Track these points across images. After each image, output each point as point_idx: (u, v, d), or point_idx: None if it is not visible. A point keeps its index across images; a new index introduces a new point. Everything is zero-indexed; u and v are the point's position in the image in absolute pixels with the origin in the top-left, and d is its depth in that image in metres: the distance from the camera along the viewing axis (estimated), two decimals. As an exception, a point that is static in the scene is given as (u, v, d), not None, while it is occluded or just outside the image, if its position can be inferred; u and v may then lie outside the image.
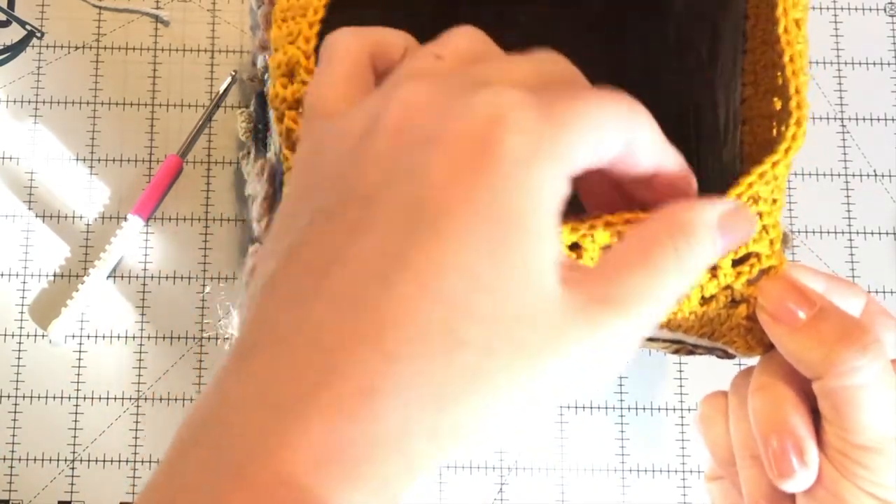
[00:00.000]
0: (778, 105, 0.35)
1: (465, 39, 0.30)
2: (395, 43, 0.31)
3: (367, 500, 0.23)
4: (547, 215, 0.25)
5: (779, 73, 0.35)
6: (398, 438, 0.24)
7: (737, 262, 0.35)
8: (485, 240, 0.24)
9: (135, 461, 0.54)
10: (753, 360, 0.37)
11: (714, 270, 0.34)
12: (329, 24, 0.36)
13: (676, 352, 0.39)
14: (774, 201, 0.34)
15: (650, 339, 0.38)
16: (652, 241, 0.28)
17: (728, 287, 0.35)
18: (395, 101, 0.26)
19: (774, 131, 0.34)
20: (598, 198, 0.33)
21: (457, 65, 0.29)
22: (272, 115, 0.38)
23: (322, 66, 0.31)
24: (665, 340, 0.38)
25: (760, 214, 0.34)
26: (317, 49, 0.34)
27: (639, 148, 0.28)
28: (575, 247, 0.32)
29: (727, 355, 0.38)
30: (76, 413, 0.55)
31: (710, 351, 0.38)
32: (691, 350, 0.38)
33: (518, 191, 0.25)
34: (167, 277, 0.56)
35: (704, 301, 0.35)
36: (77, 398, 0.55)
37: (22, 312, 0.56)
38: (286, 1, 0.36)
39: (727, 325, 0.36)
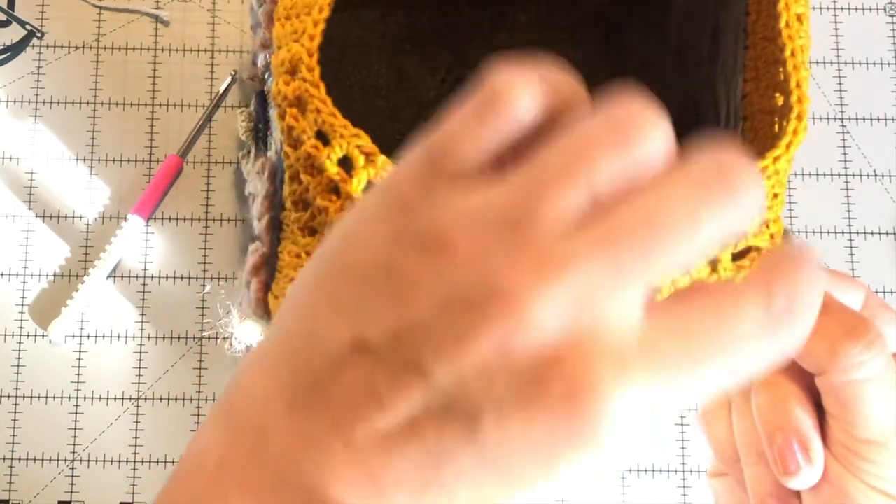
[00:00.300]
0: (779, 101, 0.35)
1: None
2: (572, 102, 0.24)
3: None
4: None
5: (780, 69, 0.35)
6: None
7: (737, 257, 0.35)
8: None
9: (135, 461, 0.54)
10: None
11: (714, 265, 0.34)
12: (328, 22, 0.36)
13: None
14: (776, 195, 0.34)
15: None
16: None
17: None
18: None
19: (776, 127, 0.34)
20: None
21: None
22: (273, 113, 0.39)
23: (471, 107, 0.23)
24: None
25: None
26: (320, 48, 0.34)
27: None
28: None
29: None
30: (76, 413, 0.55)
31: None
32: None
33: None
34: (167, 277, 0.56)
35: None
36: (77, 398, 0.55)
37: (22, 312, 0.56)
38: None
39: None
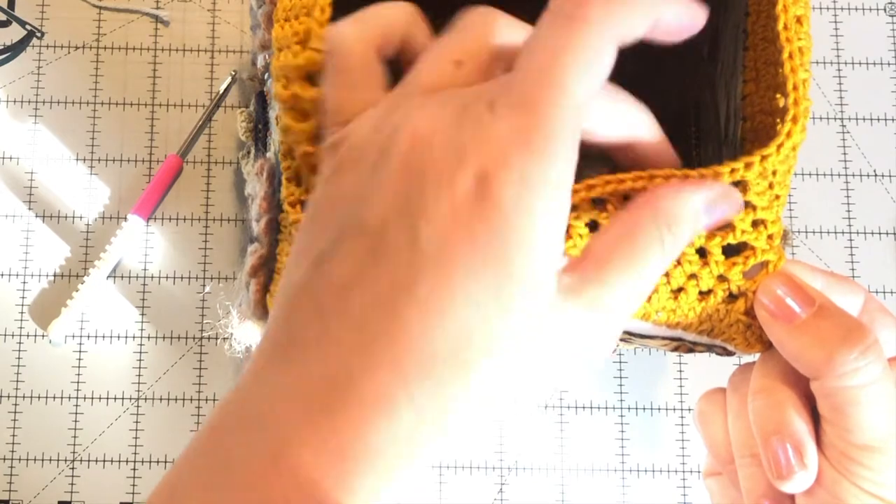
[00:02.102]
0: (780, 102, 0.35)
1: (482, 32, 0.31)
2: (400, 29, 0.32)
3: (376, 488, 0.26)
4: (545, 246, 0.27)
5: (780, 70, 0.34)
6: (410, 442, 0.26)
7: (730, 253, 0.35)
8: (484, 274, 0.26)
9: (135, 461, 0.54)
10: (752, 357, 0.37)
11: (705, 258, 0.34)
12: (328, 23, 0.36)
13: (676, 349, 0.39)
14: (777, 197, 0.34)
15: (649, 337, 0.38)
16: (637, 231, 0.29)
17: (724, 279, 0.35)
18: (406, 131, 0.28)
19: (778, 128, 0.34)
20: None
21: (473, 74, 0.30)
22: (272, 114, 0.39)
23: (330, 72, 0.31)
24: (664, 338, 0.38)
25: (755, 207, 0.34)
26: None
27: (601, 124, 0.31)
28: None
29: (726, 352, 0.38)
30: (76, 413, 0.55)
31: (709, 348, 0.38)
32: (690, 347, 0.38)
33: (514, 231, 0.26)
34: (167, 277, 0.56)
35: (702, 296, 0.35)
36: (77, 398, 0.55)
37: (22, 312, 0.56)
38: (289, 0, 0.36)
39: (726, 322, 0.36)
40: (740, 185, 0.33)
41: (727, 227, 0.34)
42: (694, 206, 0.31)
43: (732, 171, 0.33)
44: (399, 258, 0.27)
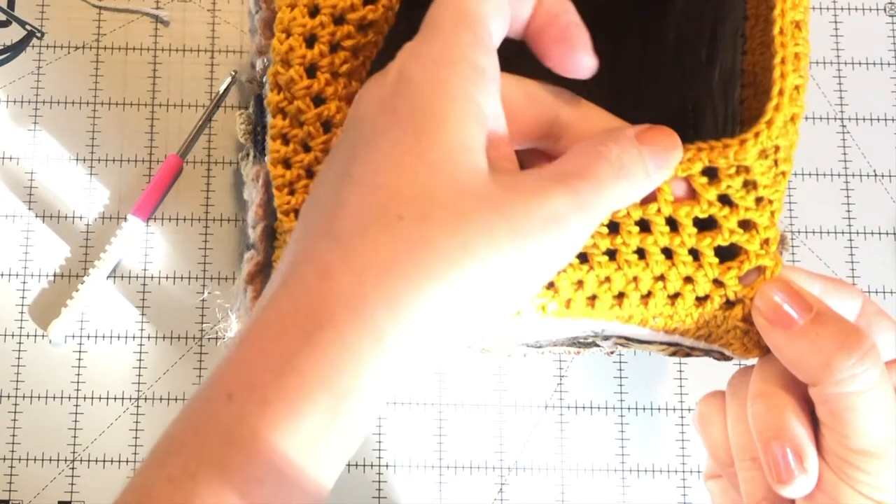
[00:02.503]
0: None
1: None
2: None
3: (332, 367, 0.28)
4: (455, 101, 0.30)
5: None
6: (354, 305, 0.28)
7: (725, 257, 0.35)
8: (404, 137, 0.29)
9: (135, 461, 0.54)
10: (751, 360, 0.37)
11: (699, 260, 0.34)
12: None
13: (673, 354, 0.39)
14: (770, 202, 0.34)
15: (647, 342, 0.38)
16: (578, 149, 0.32)
17: (720, 284, 0.35)
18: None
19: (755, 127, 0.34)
20: None
21: None
22: (268, 119, 0.38)
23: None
24: (662, 343, 0.38)
25: (737, 207, 0.34)
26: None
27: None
28: None
29: (724, 357, 0.38)
30: (76, 413, 0.55)
31: (706, 353, 0.38)
32: (688, 352, 0.38)
33: (423, 92, 0.30)
34: (167, 277, 0.56)
35: (699, 301, 0.35)
36: (77, 398, 0.55)
37: (22, 312, 0.56)
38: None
39: (724, 328, 0.36)
40: (711, 172, 0.34)
41: (714, 227, 0.34)
42: (626, 133, 0.32)
43: (699, 149, 0.33)
44: (342, 151, 0.31)
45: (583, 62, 0.32)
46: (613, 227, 0.34)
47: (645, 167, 0.32)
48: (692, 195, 0.34)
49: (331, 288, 0.28)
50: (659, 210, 0.34)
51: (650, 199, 0.34)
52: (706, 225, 0.35)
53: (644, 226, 0.34)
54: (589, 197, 0.30)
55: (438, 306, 0.28)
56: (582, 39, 0.33)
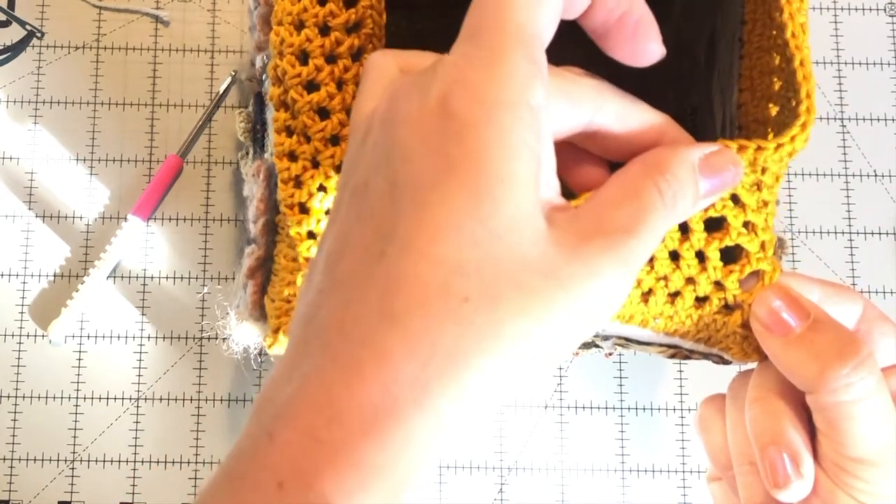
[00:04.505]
0: (773, 111, 0.35)
1: None
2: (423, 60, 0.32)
3: (393, 459, 0.25)
4: (518, 159, 0.27)
5: (775, 79, 0.35)
6: (416, 397, 0.25)
7: (727, 260, 0.35)
8: (463, 198, 0.26)
9: (135, 461, 0.54)
10: (752, 364, 0.37)
11: (704, 263, 0.34)
12: None
13: (673, 356, 0.39)
14: (766, 203, 0.34)
15: (647, 344, 0.38)
16: (633, 181, 0.29)
17: (721, 286, 0.35)
18: (385, 98, 0.29)
19: (769, 137, 0.34)
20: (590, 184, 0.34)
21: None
22: (270, 115, 0.39)
23: (361, 82, 0.32)
24: (661, 345, 0.38)
25: (745, 206, 0.34)
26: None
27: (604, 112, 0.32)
28: None
29: (723, 361, 0.38)
30: (76, 413, 0.55)
31: (705, 356, 0.38)
32: (687, 355, 0.38)
33: (482, 144, 0.26)
34: (167, 277, 0.56)
35: (699, 302, 0.35)
36: (77, 398, 0.55)
37: (22, 312, 0.56)
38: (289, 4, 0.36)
39: (723, 332, 0.36)
40: None
41: (723, 228, 0.34)
42: (686, 157, 0.31)
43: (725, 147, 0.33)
44: (380, 205, 0.27)
45: (653, 51, 0.31)
46: None
47: (696, 197, 0.31)
48: None
49: (391, 376, 0.25)
50: None
51: None
52: (713, 225, 0.35)
53: None
54: (639, 254, 0.29)
55: (502, 385, 0.26)
56: (654, 31, 0.31)
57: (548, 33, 0.29)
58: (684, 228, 0.34)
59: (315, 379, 0.26)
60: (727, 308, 0.35)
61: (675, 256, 0.35)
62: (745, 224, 0.34)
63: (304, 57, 0.36)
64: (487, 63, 0.27)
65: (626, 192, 0.29)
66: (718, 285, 0.35)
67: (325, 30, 0.36)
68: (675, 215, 0.30)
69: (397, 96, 0.28)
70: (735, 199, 0.34)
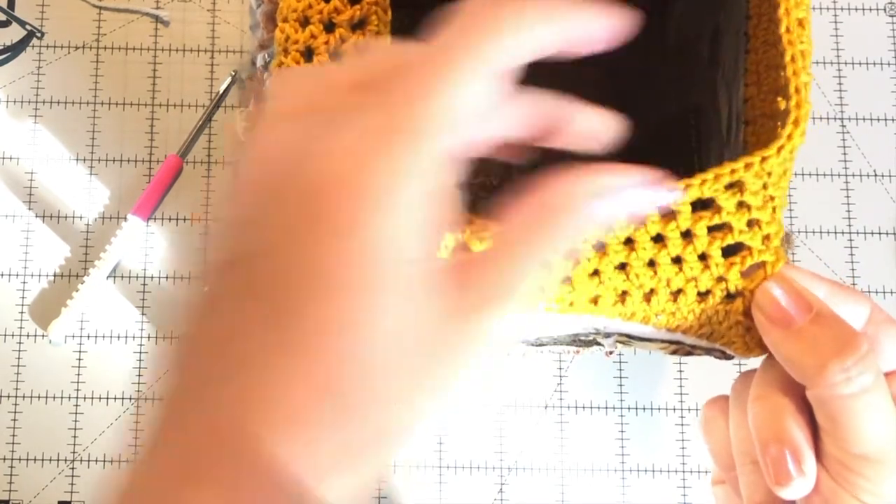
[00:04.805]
0: (781, 105, 0.35)
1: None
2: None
3: None
4: (399, 245, 0.25)
5: (782, 73, 0.34)
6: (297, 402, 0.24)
7: (728, 253, 0.35)
8: (344, 301, 0.25)
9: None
10: (752, 362, 0.37)
11: (706, 261, 0.34)
12: None
13: (674, 352, 0.39)
14: (772, 198, 0.34)
15: (648, 340, 0.38)
16: (510, 247, 0.28)
17: (722, 279, 0.35)
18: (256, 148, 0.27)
19: (779, 131, 0.34)
20: None
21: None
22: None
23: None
24: (663, 341, 0.38)
25: (750, 207, 0.34)
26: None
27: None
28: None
29: (725, 356, 0.38)
30: (76, 413, 0.55)
31: (708, 352, 0.38)
32: (689, 351, 0.38)
33: (354, 248, 0.25)
34: (167, 277, 0.56)
35: (701, 297, 0.35)
36: (77, 398, 0.55)
37: (22, 312, 0.56)
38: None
39: (725, 325, 0.36)
40: (738, 185, 0.33)
41: (725, 227, 0.34)
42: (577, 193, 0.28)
43: (732, 171, 0.33)
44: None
45: (606, 134, 0.30)
46: (628, 242, 0.34)
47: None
48: (709, 205, 0.34)
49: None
50: (677, 226, 0.34)
51: (670, 217, 0.34)
52: (716, 227, 0.35)
53: (658, 238, 0.34)
54: (518, 306, 0.27)
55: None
56: (595, 118, 0.30)
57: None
58: (687, 234, 0.34)
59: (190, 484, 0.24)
60: (729, 297, 0.35)
61: (677, 260, 0.35)
62: (749, 223, 0.34)
63: (308, 54, 0.36)
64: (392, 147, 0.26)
65: (504, 257, 0.28)
66: (720, 279, 0.35)
67: (329, 26, 0.36)
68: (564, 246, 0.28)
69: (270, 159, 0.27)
70: (740, 204, 0.34)
